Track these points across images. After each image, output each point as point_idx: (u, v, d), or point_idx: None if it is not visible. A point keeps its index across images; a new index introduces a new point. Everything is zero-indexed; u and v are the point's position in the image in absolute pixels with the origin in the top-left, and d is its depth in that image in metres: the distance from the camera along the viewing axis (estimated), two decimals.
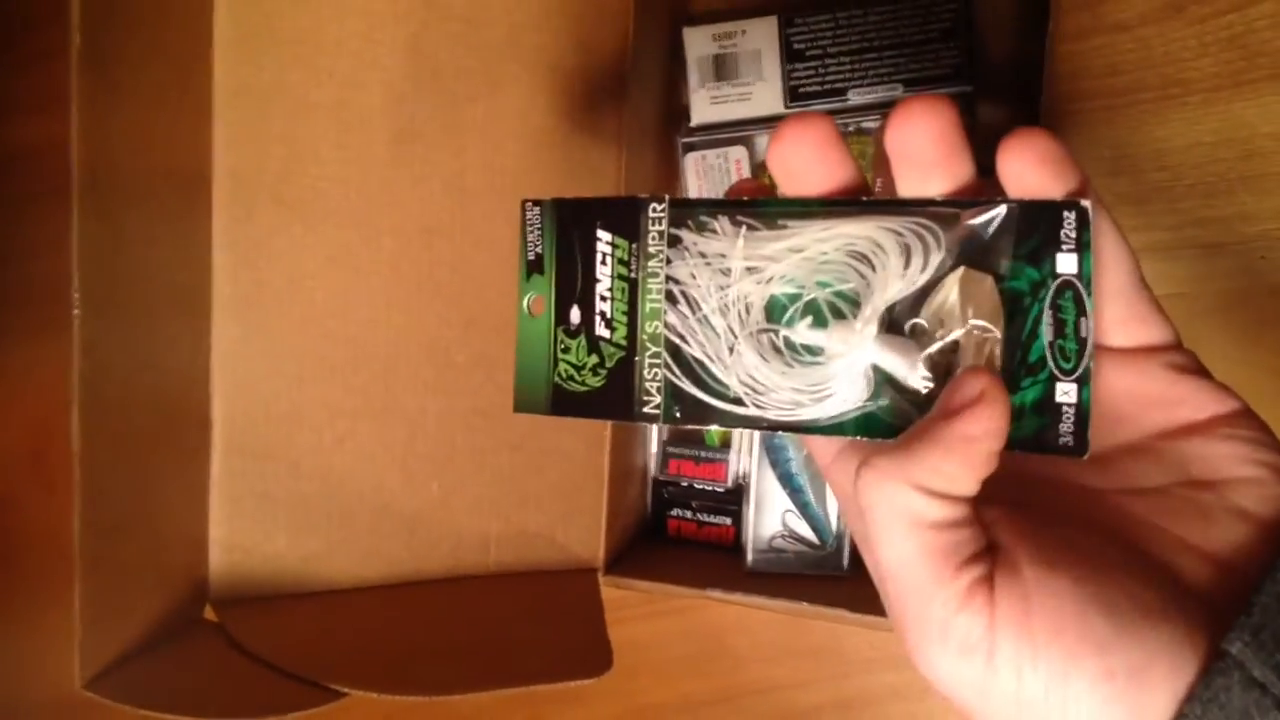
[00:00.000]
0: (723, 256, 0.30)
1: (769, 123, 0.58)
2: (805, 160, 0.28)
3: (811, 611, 0.52)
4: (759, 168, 0.59)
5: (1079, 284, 0.26)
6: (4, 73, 0.67)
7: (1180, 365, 0.28)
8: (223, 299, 0.58)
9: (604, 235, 0.31)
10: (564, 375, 0.32)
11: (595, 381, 0.32)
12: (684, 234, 0.30)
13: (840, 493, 0.31)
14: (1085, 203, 0.26)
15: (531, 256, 0.32)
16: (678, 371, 0.31)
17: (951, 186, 0.27)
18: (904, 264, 0.28)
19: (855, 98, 0.57)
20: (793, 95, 0.58)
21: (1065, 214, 0.26)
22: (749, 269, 0.29)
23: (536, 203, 0.32)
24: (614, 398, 0.32)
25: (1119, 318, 0.28)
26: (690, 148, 0.59)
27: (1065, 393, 0.27)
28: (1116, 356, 0.28)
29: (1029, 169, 0.26)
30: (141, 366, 0.52)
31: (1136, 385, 0.28)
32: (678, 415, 0.31)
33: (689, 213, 0.30)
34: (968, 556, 0.26)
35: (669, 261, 0.30)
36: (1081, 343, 0.26)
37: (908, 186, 0.28)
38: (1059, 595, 0.25)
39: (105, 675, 0.48)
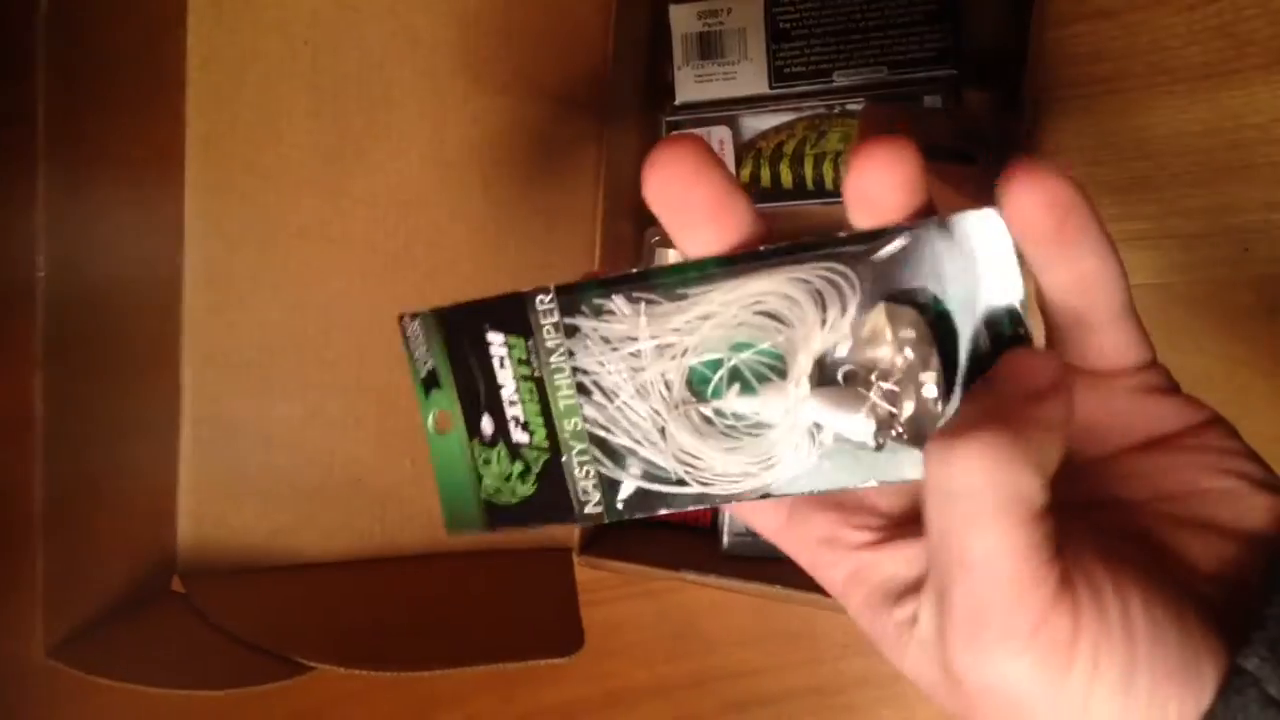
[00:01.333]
0: (629, 338, 0.28)
1: (754, 103, 0.58)
2: (683, 188, 0.26)
3: (785, 595, 0.51)
4: (744, 148, 0.58)
5: (1008, 293, 0.25)
6: None
7: (1153, 385, 0.27)
8: (193, 267, 0.57)
9: (495, 337, 0.29)
10: (491, 490, 0.30)
11: (525, 490, 0.30)
12: (580, 321, 0.28)
13: (806, 553, 0.30)
14: (994, 209, 0.25)
15: (425, 373, 0.30)
16: (610, 464, 0.29)
17: (906, 219, 0.26)
18: (821, 313, 0.27)
19: (840, 79, 0.56)
20: (778, 75, 0.57)
21: (980, 226, 0.25)
22: (659, 346, 0.28)
23: (415, 315, 0.30)
24: (550, 502, 0.30)
25: (1112, 344, 0.27)
26: (674, 126, 0.59)
27: None
28: (1090, 377, 0.27)
29: (1038, 213, 0.25)
30: (110, 334, 0.51)
31: (1109, 405, 0.27)
32: (621, 508, 0.29)
33: (580, 298, 0.28)
34: (1057, 550, 0.24)
35: (572, 353, 0.29)
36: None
37: (861, 223, 0.27)
38: (1129, 602, 0.23)
39: (69, 644, 0.48)
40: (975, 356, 0.26)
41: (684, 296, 0.28)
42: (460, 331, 0.30)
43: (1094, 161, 0.56)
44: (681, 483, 0.29)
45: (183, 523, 0.58)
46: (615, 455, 0.29)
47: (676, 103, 0.59)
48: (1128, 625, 0.23)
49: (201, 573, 0.57)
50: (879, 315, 0.26)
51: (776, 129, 0.58)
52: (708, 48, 0.58)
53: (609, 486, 0.29)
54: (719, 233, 0.27)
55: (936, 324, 0.26)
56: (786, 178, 0.57)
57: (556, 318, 0.29)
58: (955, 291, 0.26)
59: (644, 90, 0.59)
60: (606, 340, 0.28)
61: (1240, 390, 0.54)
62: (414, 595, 0.56)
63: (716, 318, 0.27)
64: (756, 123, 0.59)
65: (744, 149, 0.58)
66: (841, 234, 0.26)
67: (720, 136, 0.58)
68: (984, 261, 0.25)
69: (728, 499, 0.28)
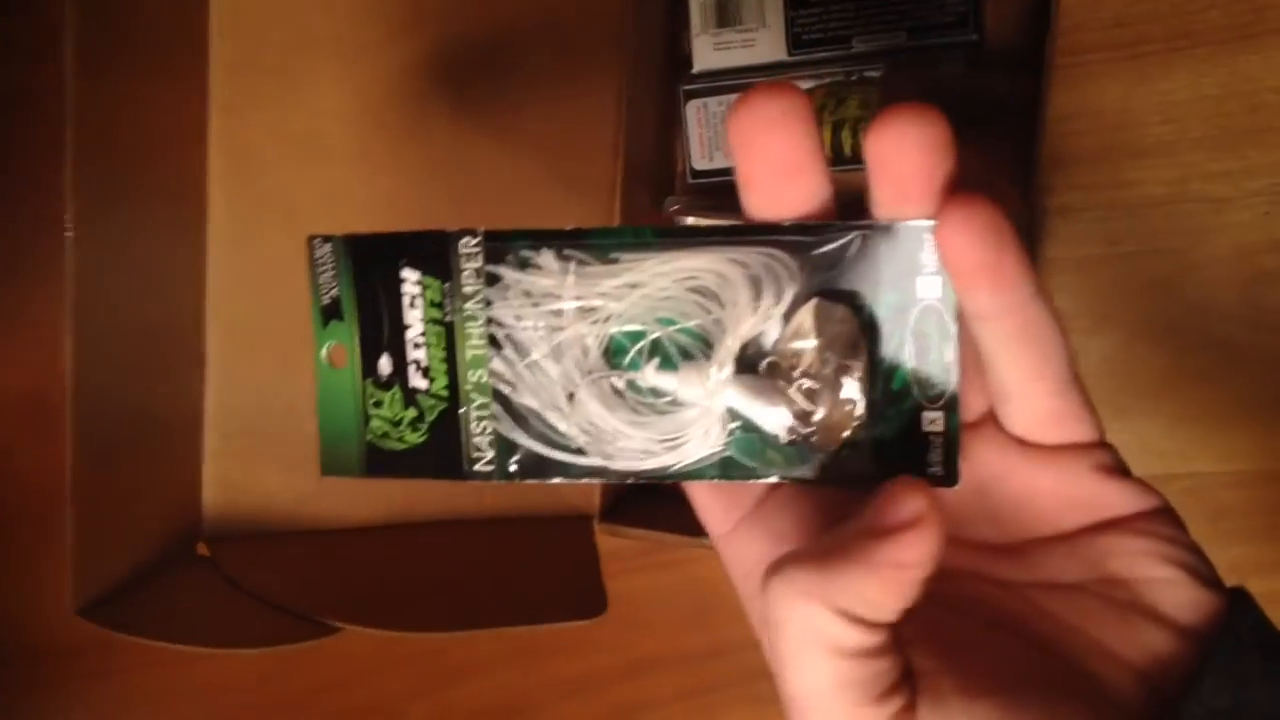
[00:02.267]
0: (552, 296, 0.27)
1: (771, 71, 0.58)
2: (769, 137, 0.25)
3: None
4: None
5: (941, 308, 0.25)
6: None
7: (1107, 466, 0.27)
8: (218, 234, 0.57)
9: (410, 274, 0.28)
10: (378, 432, 0.29)
11: (415, 438, 0.29)
12: (504, 271, 0.27)
13: (739, 572, 0.28)
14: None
15: (327, 301, 0.29)
16: (509, 423, 0.28)
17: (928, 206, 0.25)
18: (754, 298, 0.26)
19: (859, 45, 0.56)
20: (796, 43, 0.57)
21: (925, 236, 0.25)
22: (582, 309, 0.27)
23: (327, 239, 0.29)
24: (439, 454, 0.28)
25: (1053, 415, 0.26)
26: (692, 95, 0.59)
27: (931, 421, 0.26)
28: (1043, 454, 0.27)
29: (974, 243, 0.23)
30: (136, 299, 0.52)
31: (1063, 487, 0.27)
32: (512, 470, 0.28)
33: (508, 247, 0.27)
34: (886, 688, 0.23)
35: (489, 302, 0.27)
36: (946, 368, 0.25)
37: (881, 191, 0.25)
38: None
39: (99, 604, 0.48)
40: (897, 367, 0.26)
41: (616, 261, 0.27)
42: (373, 263, 0.28)
43: (1115, 126, 0.56)
44: (581, 452, 0.27)
45: (208, 489, 0.58)
46: (516, 415, 0.28)
47: (694, 70, 0.59)
48: None
49: (227, 538, 0.58)
50: (811, 310, 0.26)
51: None
52: (725, 15, 0.58)
53: (504, 446, 0.28)
54: (779, 193, 0.25)
55: (867, 328, 0.26)
56: None
57: (480, 263, 0.27)
58: (890, 298, 0.25)
59: (663, 59, 0.59)
60: (528, 294, 0.27)
61: (1264, 354, 0.54)
62: (437, 561, 0.57)
63: (646, 288, 0.27)
64: None
65: None
66: (787, 223, 0.26)
67: None
68: (924, 273, 0.25)
69: (625, 475, 0.27)
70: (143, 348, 0.53)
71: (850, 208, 0.26)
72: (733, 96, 0.58)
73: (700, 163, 0.59)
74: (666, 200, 0.62)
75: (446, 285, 0.28)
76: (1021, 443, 0.26)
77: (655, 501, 0.61)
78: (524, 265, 0.27)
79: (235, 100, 0.57)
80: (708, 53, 0.58)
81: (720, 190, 0.60)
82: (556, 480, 0.28)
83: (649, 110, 0.59)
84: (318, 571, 0.55)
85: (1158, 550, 0.26)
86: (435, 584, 0.54)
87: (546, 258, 0.27)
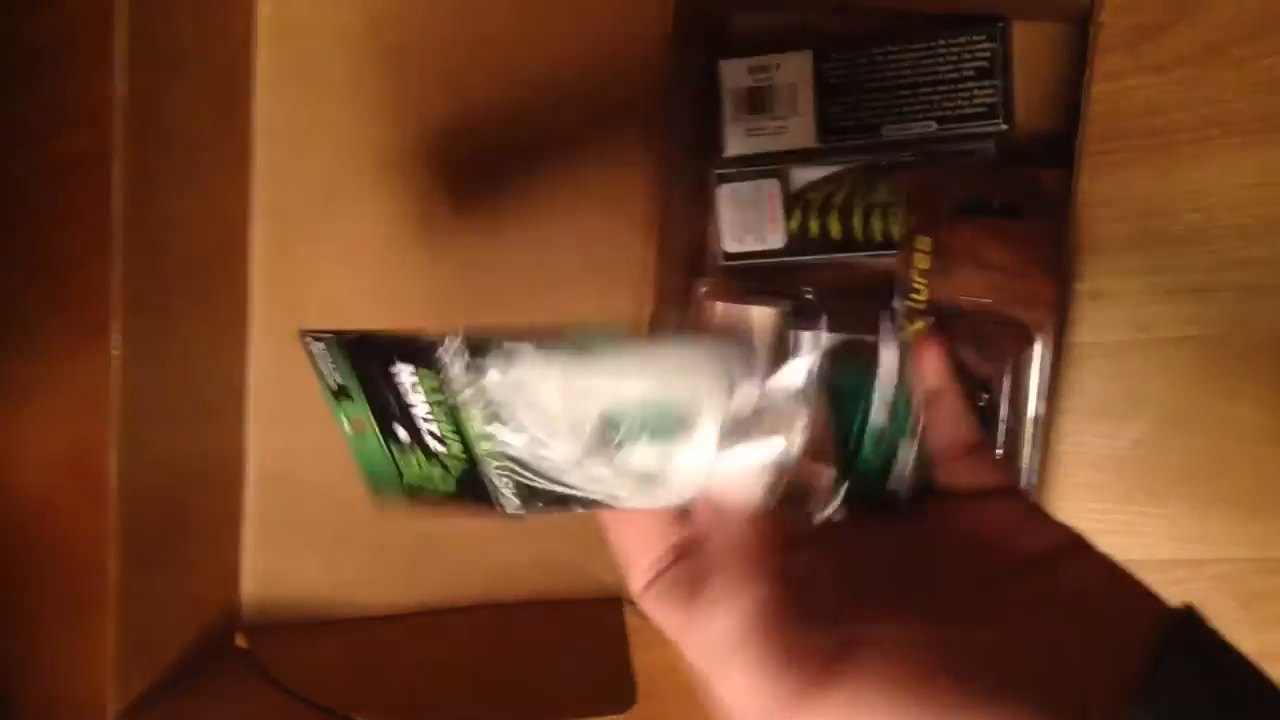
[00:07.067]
0: (541, 385, 0.28)
1: (802, 156, 0.58)
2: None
3: None
4: (792, 199, 0.59)
5: (896, 396, 0.32)
6: (48, 86, 0.67)
7: (1035, 507, 0.32)
8: (259, 332, 0.58)
9: (404, 368, 0.29)
10: (414, 483, 0.32)
11: (447, 487, 0.31)
12: (489, 365, 0.28)
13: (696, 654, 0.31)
14: (896, 344, 0.32)
15: (334, 386, 0.30)
16: (526, 474, 0.30)
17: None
18: (730, 388, 0.28)
19: (889, 133, 0.57)
20: (826, 130, 0.57)
21: (886, 349, 0.31)
22: (570, 395, 0.28)
23: (319, 337, 0.30)
24: (473, 499, 0.31)
25: (970, 466, 0.34)
26: (723, 179, 0.59)
27: (896, 480, 0.32)
28: (978, 497, 0.33)
29: (935, 372, 0.34)
30: (179, 394, 0.52)
31: (1004, 517, 0.32)
32: (541, 506, 0.30)
33: (490, 344, 0.28)
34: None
35: (484, 389, 0.29)
36: (908, 450, 0.32)
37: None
38: None
39: (138, 708, 0.49)
40: (860, 446, 0.31)
41: (597, 354, 0.28)
42: (367, 358, 0.30)
43: (1147, 214, 0.56)
44: (594, 503, 0.30)
45: (246, 579, 0.59)
46: (531, 469, 0.29)
47: (725, 155, 0.59)
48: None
49: (265, 628, 0.58)
50: (786, 390, 0.29)
51: (827, 179, 0.58)
52: (758, 102, 0.58)
53: (528, 492, 0.30)
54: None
55: (836, 405, 0.30)
56: (836, 229, 0.58)
57: (466, 358, 0.28)
58: (853, 378, 0.31)
59: (696, 144, 0.60)
60: (519, 383, 0.28)
61: None
62: (471, 649, 0.57)
63: (629, 376, 0.28)
64: (806, 173, 0.59)
65: (792, 200, 0.59)
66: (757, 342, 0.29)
67: (769, 189, 0.59)
68: (884, 374, 0.31)
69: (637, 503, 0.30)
70: (184, 442, 0.54)
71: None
72: (764, 181, 0.58)
73: (731, 245, 0.60)
74: (698, 282, 0.62)
75: (441, 375, 0.29)
76: (957, 492, 0.33)
77: None
78: (509, 358, 0.28)
79: (277, 204, 0.58)
80: (739, 139, 0.59)
81: (751, 272, 0.60)
82: (580, 510, 0.30)
83: (681, 194, 0.59)
84: (355, 665, 0.55)
85: (1108, 571, 0.29)
86: (469, 675, 0.54)
87: (528, 351, 0.28)
